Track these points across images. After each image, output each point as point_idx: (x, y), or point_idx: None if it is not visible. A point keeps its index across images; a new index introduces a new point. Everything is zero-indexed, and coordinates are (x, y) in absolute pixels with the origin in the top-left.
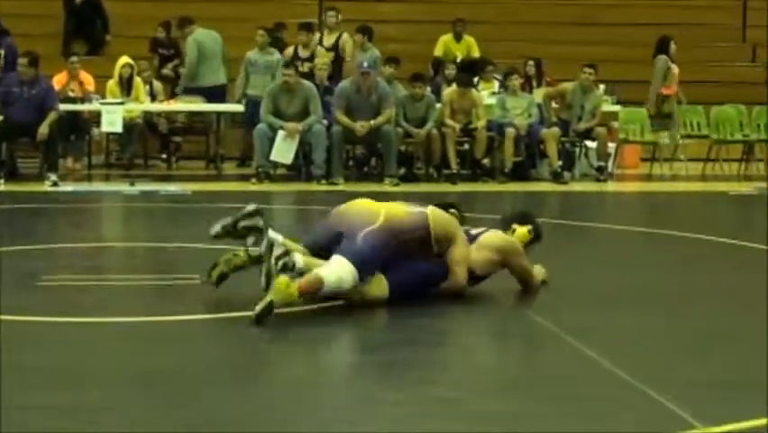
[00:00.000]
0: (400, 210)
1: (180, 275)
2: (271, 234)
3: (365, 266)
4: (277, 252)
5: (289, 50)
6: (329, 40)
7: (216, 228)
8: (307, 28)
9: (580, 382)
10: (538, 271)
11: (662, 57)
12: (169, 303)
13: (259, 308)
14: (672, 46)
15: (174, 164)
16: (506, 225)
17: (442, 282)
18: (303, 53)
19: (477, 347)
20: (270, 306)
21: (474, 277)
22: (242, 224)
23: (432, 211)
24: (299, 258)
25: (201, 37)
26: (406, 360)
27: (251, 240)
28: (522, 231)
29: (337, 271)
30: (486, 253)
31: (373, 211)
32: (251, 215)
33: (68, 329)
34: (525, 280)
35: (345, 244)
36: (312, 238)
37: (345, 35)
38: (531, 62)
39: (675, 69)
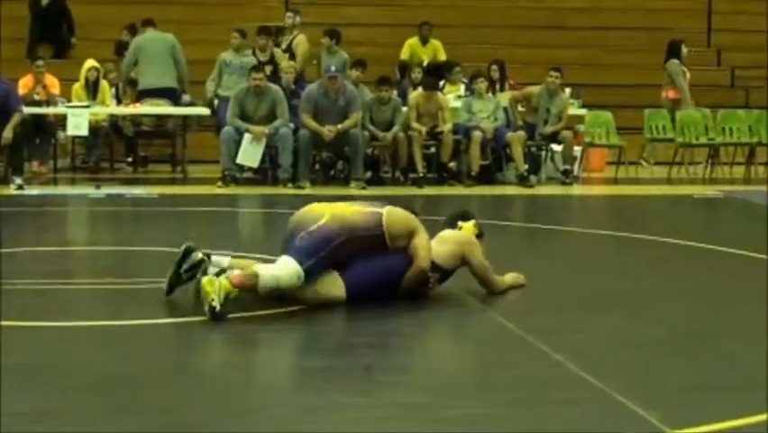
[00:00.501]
0: (349, 210)
1: (145, 279)
2: (215, 259)
3: (308, 259)
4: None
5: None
6: (285, 42)
7: (165, 286)
8: (265, 32)
9: (548, 386)
10: (514, 278)
11: (675, 61)
12: (132, 307)
13: (207, 315)
14: (684, 50)
15: (140, 167)
16: (452, 225)
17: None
18: (261, 57)
19: (443, 351)
20: (212, 308)
21: (437, 269)
22: (184, 267)
23: (388, 211)
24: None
25: (141, 41)
26: (370, 364)
27: (200, 274)
28: (468, 226)
29: (276, 267)
30: (447, 246)
31: (318, 213)
32: (185, 255)
33: (29, 333)
34: (484, 274)
35: (289, 244)
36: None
37: (300, 36)
38: (495, 66)
39: (687, 72)
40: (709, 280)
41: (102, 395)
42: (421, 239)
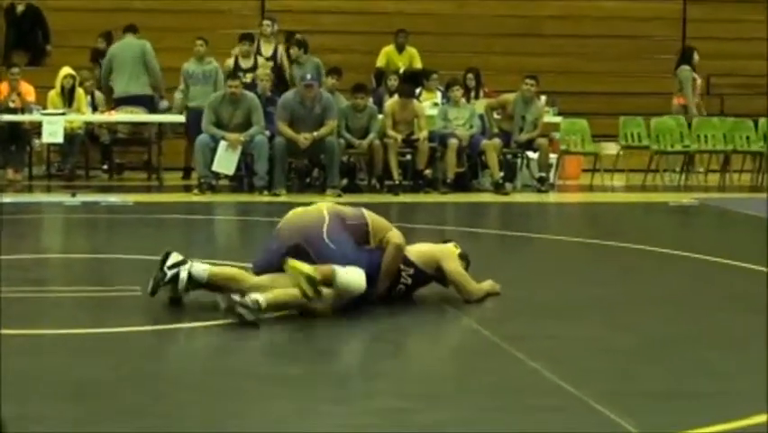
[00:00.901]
0: (333, 204)
1: (120, 287)
2: (196, 265)
3: (355, 256)
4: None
5: (230, 62)
6: (267, 49)
7: (150, 285)
8: (249, 39)
9: (524, 393)
10: (491, 285)
11: (686, 67)
12: (109, 315)
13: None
14: (696, 57)
15: (115, 175)
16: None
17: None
18: (244, 64)
19: (421, 358)
20: (312, 279)
21: (411, 265)
22: (168, 263)
23: (366, 210)
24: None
25: (114, 49)
26: (349, 371)
27: (183, 273)
28: (449, 246)
29: (351, 272)
30: (425, 248)
31: (315, 211)
32: (167, 255)
33: (6, 341)
34: (458, 280)
35: (320, 251)
36: (264, 261)
37: (281, 47)
38: (470, 75)
39: (699, 79)
40: (684, 287)
41: (79, 402)
42: (395, 230)
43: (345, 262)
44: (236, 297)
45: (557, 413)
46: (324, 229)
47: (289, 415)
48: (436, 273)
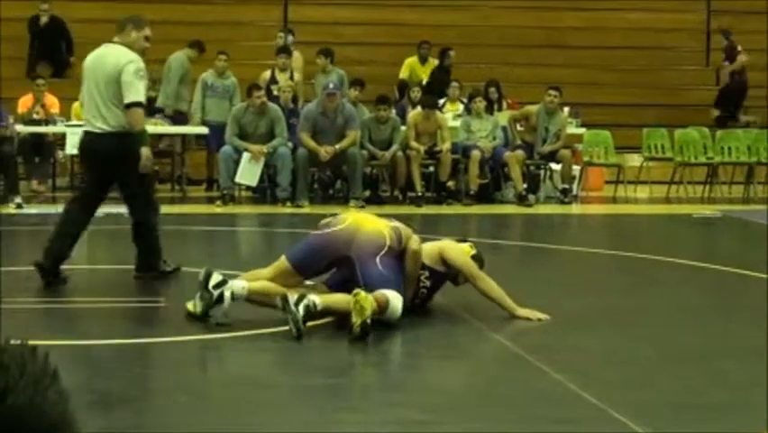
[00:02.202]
0: (387, 226)
1: (143, 298)
2: (234, 283)
3: (399, 285)
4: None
5: (266, 74)
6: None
7: (199, 309)
8: (286, 52)
9: (547, 404)
10: (529, 313)
11: None
12: (130, 326)
13: (357, 332)
14: None
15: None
16: None
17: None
18: (281, 77)
19: (442, 369)
20: (364, 324)
21: (423, 267)
22: (211, 284)
23: (403, 226)
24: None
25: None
26: (369, 382)
27: (227, 292)
28: (461, 245)
29: (395, 300)
30: (427, 246)
31: (376, 232)
32: (208, 275)
33: None
34: (471, 272)
35: (368, 272)
36: (306, 257)
37: (295, 53)
38: (492, 88)
39: None
40: (706, 298)
41: (101, 413)
42: (413, 236)
43: (389, 286)
44: (292, 300)
45: (579, 424)
46: (379, 258)
47: (309, 426)
48: (447, 270)
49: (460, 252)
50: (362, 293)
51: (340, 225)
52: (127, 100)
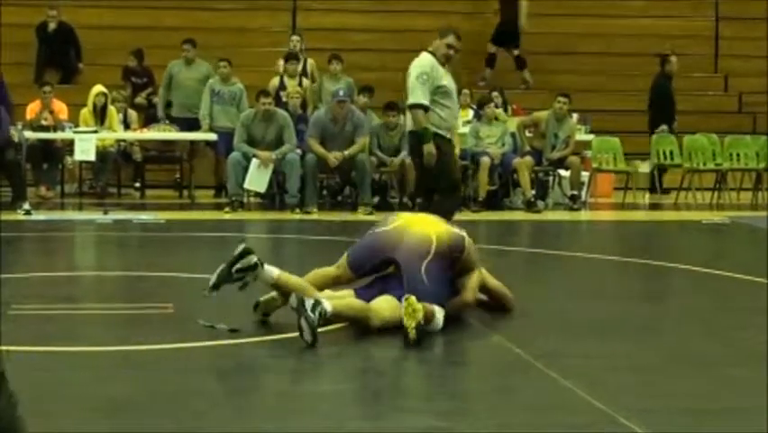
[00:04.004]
0: (443, 230)
1: (152, 304)
2: (267, 268)
3: (445, 292)
4: (308, 304)
5: (275, 81)
6: (298, 66)
7: (213, 279)
8: (294, 58)
9: (557, 411)
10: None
11: None
12: (139, 332)
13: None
14: None
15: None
16: None
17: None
18: (290, 83)
19: (453, 375)
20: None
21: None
22: (237, 267)
23: (466, 236)
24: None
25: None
26: (380, 388)
27: (250, 278)
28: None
29: (439, 314)
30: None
31: (426, 236)
32: (241, 256)
33: (37, 358)
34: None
35: (412, 280)
36: (358, 256)
37: (311, 60)
38: (495, 93)
39: None
40: (715, 304)
41: (110, 419)
42: (477, 276)
43: (431, 299)
44: (308, 305)
45: (589, 431)
46: (424, 264)
47: (324, 432)
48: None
49: (496, 282)
50: (413, 298)
51: (390, 225)
52: (407, 102)
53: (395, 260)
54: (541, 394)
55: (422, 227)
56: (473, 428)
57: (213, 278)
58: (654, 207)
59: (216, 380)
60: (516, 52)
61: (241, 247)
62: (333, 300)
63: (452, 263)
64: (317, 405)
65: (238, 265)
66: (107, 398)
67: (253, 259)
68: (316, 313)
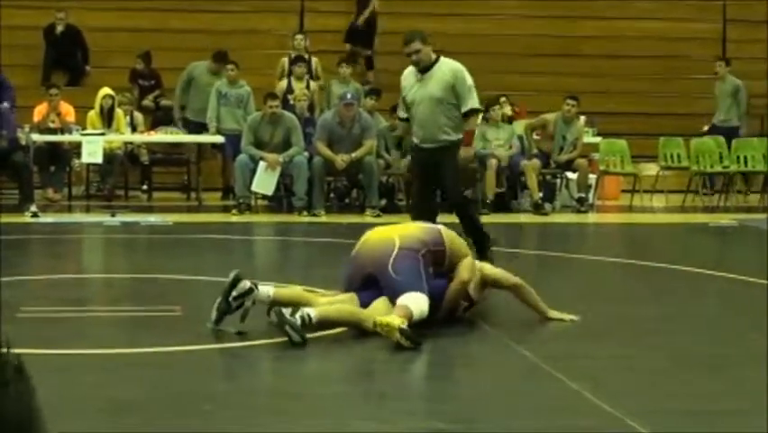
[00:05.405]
0: (411, 227)
1: (159, 306)
2: (261, 288)
3: (421, 284)
4: (286, 311)
5: (283, 83)
6: (304, 66)
7: (213, 315)
8: (302, 60)
9: (564, 413)
10: (560, 315)
11: None
12: (146, 335)
13: (407, 344)
14: None
15: (154, 195)
16: None
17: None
18: (297, 86)
19: (461, 378)
20: (405, 331)
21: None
22: (233, 295)
23: (443, 228)
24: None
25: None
26: (388, 391)
27: (248, 302)
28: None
29: (416, 303)
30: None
31: (387, 238)
32: (234, 284)
33: (45, 361)
34: (511, 282)
35: (386, 281)
36: (344, 282)
37: (315, 58)
38: (503, 98)
39: None
40: (722, 307)
41: (117, 421)
42: (470, 260)
43: (408, 288)
44: (287, 312)
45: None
46: (390, 262)
47: None
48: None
49: (492, 268)
50: (379, 319)
51: (356, 249)
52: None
53: (371, 273)
54: (548, 396)
55: (381, 234)
56: (480, 431)
57: (213, 313)
58: (662, 209)
59: (224, 382)
60: (368, 52)
61: (232, 275)
62: (321, 307)
63: (434, 256)
64: (324, 407)
65: (233, 293)
66: (115, 400)
67: (247, 284)
68: (297, 317)
